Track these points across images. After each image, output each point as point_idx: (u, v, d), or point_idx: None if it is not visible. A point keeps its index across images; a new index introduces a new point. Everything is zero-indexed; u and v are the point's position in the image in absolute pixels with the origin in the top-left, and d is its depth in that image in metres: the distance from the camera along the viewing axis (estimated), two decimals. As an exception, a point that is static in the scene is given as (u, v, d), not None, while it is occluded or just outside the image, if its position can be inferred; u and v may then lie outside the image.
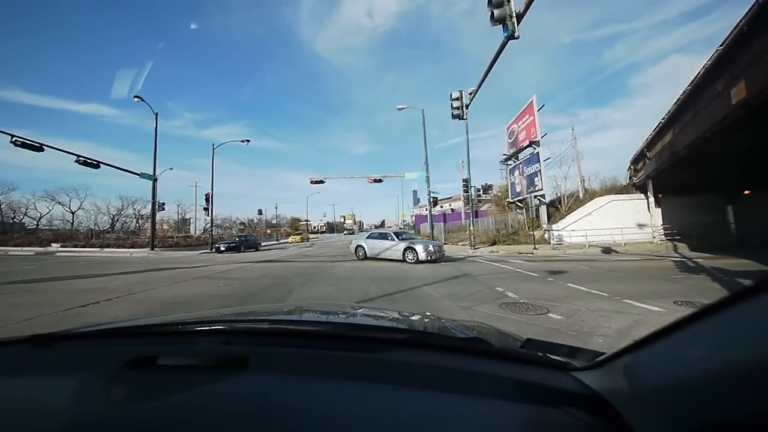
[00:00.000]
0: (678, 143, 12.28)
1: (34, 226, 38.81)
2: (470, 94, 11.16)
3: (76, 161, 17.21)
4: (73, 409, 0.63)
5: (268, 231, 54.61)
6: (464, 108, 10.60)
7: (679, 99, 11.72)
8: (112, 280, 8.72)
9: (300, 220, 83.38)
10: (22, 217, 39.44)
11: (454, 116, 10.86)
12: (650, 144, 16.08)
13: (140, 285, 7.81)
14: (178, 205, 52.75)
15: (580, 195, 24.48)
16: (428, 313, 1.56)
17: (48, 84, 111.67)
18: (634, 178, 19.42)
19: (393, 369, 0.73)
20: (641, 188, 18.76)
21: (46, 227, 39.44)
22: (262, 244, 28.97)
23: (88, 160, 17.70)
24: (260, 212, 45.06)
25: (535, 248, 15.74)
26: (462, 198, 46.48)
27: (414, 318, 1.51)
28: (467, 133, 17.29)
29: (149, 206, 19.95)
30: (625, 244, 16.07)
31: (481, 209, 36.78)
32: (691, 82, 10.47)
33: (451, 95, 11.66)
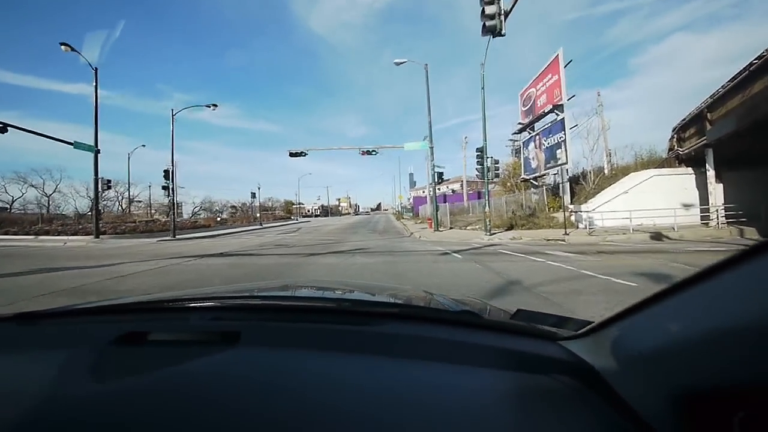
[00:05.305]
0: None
1: (7, 211, 34.61)
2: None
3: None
4: (61, 385, 0.61)
5: (258, 215, 51.03)
6: (501, 18, 6.84)
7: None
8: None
9: (293, 203, 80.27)
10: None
11: (486, 31, 7.05)
12: (716, 103, 12.72)
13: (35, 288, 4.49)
14: (164, 188, 48.46)
15: (605, 171, 21.31)
16: (421, 289, 1.60)
17: (29, 62, 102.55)
18: (679, 150, 16.16)
19: (386, 341, 0.74)
20: (689, 161, 15.55)
21: (20, 211, 35.38)
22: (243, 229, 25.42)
23: None
24: (253, 195, 42.23)
25: (566, 233, 12.61)
26: (463, 179, 43.21)
27: (406, 293, 1.55)
28: (482, 84, 13.70)
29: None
30: (676, 229, 13.01)
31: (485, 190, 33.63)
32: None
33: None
